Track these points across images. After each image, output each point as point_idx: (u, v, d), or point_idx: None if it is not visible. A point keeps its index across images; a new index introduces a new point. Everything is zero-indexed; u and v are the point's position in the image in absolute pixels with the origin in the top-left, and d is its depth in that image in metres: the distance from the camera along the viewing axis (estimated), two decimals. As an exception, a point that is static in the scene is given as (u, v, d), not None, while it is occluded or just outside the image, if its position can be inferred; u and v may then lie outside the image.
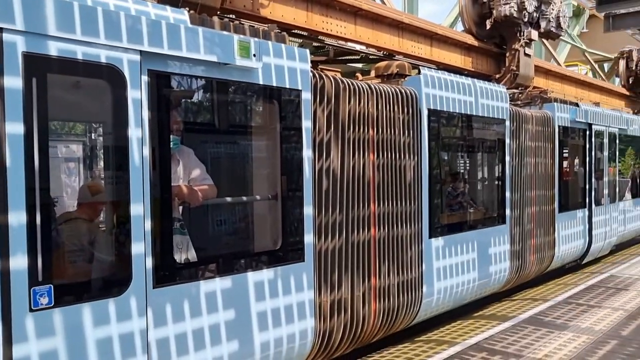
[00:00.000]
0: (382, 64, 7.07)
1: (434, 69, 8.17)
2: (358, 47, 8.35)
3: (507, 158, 8.22)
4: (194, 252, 4.15)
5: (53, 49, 3.25)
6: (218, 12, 6.30)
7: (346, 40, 7.79)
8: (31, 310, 3.12)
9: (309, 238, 4.96)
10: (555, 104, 9.76)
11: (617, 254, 12.74)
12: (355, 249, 5.63)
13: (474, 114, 7.47)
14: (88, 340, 3.39)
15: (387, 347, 6.24)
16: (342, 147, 5.43)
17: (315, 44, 8.76)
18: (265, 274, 4.55)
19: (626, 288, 8.71)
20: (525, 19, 10.57)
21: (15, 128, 3.09)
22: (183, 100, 4.40)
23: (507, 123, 8.15)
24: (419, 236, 6.52)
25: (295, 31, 7.32)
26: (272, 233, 4.79)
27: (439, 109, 6.77)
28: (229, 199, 4.71)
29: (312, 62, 6.94)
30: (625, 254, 12.61)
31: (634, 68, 17.64)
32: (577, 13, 20.71)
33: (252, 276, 4.43)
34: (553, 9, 11.22)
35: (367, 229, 5.77)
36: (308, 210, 4.93)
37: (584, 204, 10.81)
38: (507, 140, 8.19)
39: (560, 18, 11.54)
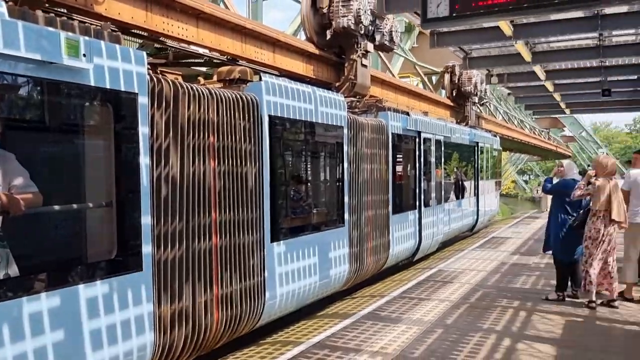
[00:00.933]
0: (224, 68, 7.02)
1: (277, 75, 8.32)
2: (201, 50, 8.22)
3: (346, 164, 8.62)
4: (15, 267, 3.77)
5: None
6: (46, 5, 5.82)
7: (188, 42, 7.63)
8: None
9: (147, 247, 4.77)
10: (388, 112, 10.49)
11: (444, 250, 14.01)
12: (197, 257, 5.53)
13: (314, 120, 7.74)
14: None
15: (233, 352, 6.22)
16: (182, 153, 5.31)
17: (156, 45, 8.45)
18: (99, 287, 4.27)
19: (451, 281, 9.60)
20: (362, 32, 11.15)
21: None
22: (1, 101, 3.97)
23: (345, 130, 8.55)
24: (261, 242, 6.60)
25: (135, 31, 7.01)
26: (107, 242, 4.52)
27: (279, 115, 6.88)
28: (57, 207, 4.35)
29: (152, 64, 6.70)
30: (451, 250, 13.91)
31: (456, 81, 19.60)
32: (409, 29, 22.43)
33: (83, 290, 4.14)
34: (386, 24, 11.97)
35: (209, 237, 5.70)
36: (146, 218, 4.74)
37: (414, 206, 11.77)
38: (345, 147, 8.61)
39: (393, 33, 12.38)
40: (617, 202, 7.45)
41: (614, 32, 11.03)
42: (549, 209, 8.83)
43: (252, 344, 6.66)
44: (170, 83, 5.24)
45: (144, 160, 4.73)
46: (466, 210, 16.32)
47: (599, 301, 7.66)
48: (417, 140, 11.94)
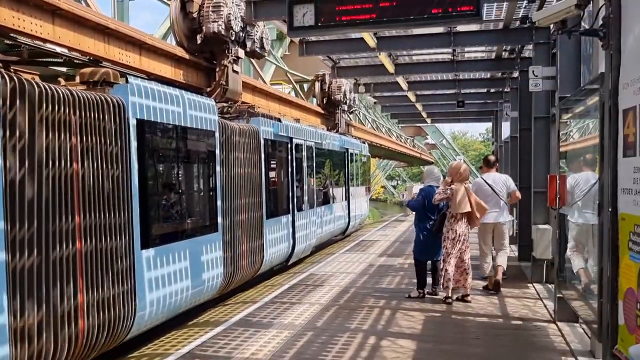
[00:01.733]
0: (87, 70, 6.67)
1: (145, 78, 8.05)
2: (58, 49, 7.68)
3: (218, 168, 8.56)
4: None
5: None
6: None
7: (44, 40, 7.10)
8: None
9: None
10: (260, 118, 10.69)
11: (316, 254, 14.34)
12: (58, 265, 5.21)
13: (185, 125, 7.68)
14: None
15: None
16: (40, 155, 5.02)
17: (7, 41, 7.77)
18: None
19: (322, 284, 9.84)
20: (233, 38, 11.16)
21: None
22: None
23: (217, 135, 8.52)
24: (130, 248, 6.34)
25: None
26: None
27: (146, 118, 6.72)
28: None
29: (4, 62, 6.17)
30: (322, 253, 14.26)
31: (326, 90, 20.20)
32: (281, 37, 22.70)
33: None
34: (257, 31, 12.04)
35: (72, 243, 5.38)
36: None
37: (287, 211, 11.96)
38: (217, 151, 8.56)
39: (264, 39, 12.47)
40: (476, 203, 8.16)
41: (466, 49, 12.05)
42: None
43: (118, 359, 6.35)
44: (26, 82, 4.96)
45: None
46: (338, 214, 16.91)
47: (455, 297, 8.28)
48: (289, 145, 12.28)
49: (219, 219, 8.60)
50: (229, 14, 10.74)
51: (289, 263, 12.46)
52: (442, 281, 8.32)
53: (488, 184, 8.86)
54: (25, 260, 4.85)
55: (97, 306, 5.79)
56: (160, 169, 7.48)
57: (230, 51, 11.31)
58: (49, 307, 5.12)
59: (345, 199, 17.96)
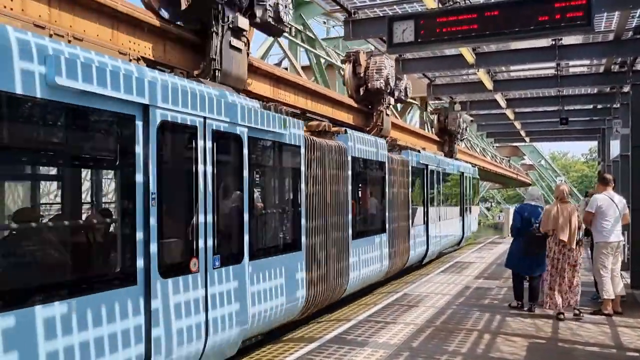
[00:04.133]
0: (313, 123, 9.68)
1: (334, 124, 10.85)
2: (167, 71, 8.12)
3: (388, 189, 12.15)
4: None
5: None
6: None
7: (155, 63, 7.52)
8: None
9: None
10: (409, 151, 14.06)
11: (410, 274, 14.07)
12: (330, 243, 9.27)
13: (373, 158, 11.26)
14: None
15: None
16: (318, 179, 8.81)
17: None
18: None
19: (417, 305, 9.61)
20: (388, 90, 14.12)
21: None
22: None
23: (386, 163, 11.97)
24: (347, 238, 10.00)
25: (99, 49, 6.88)
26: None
27: (356, 156, 10.38)
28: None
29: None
30: (416, 274, 13.96)
31: (444, 121, 21.66)
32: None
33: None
34: (402, 83, 15.23)
35: (325, 233, 9.12)
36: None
37: (424, 222, 15.30)
38: (386, 176, 11.99)
39: (408, 89, 15.59)
40: (565, 223, 8.22)
41: (571, 62, 11.49)
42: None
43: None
44: (311, 139, 8.51)
45: (303, 184, 8.14)
46: (457, 227, 20.36)
47: (568, 314, 8.32)
48: (424, 171, 15.29)
49: (387, 225, 12.05)
50: (388, 73, 13.71)
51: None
52: (546, 298, 8.51)
53: (614, 202, 8.64)
54: (314, 240, 8.49)
55: (342, 271, 9.70)
56: (360, 187, 11.12)
57: (385, 100, 14.52)
58: (325, 267, 8.92)
59: (461, 215, 20.81)
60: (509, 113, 16.96)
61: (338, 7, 8.71)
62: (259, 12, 8.44)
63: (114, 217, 5.44)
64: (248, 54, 8.43)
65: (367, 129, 14.02)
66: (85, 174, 5.75)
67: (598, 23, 8.78)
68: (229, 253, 6.43)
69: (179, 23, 7.66)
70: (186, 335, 5.58)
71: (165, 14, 7.50)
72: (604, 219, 8.51)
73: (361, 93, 13.95)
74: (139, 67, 5.28)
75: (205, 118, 5.89)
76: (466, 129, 23.17)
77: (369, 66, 13.64)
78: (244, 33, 8.14)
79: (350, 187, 9.89)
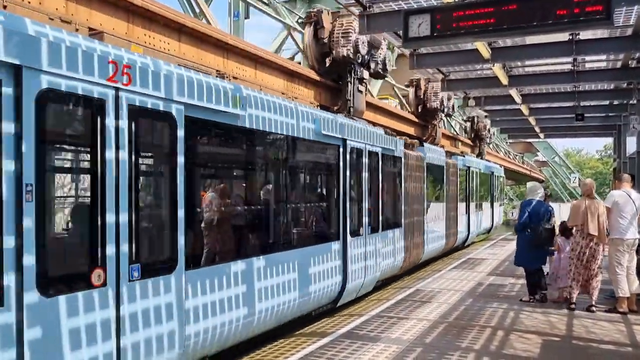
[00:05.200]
0: (409, 140, 13.58)
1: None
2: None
3: (446, 185, 16.42)
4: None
5: None
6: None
7: (171, 56, 7.56)
8: None
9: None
10: (457, 156, 18.20)
11: (422, 270, 14.03)
12: (415, 224, 13.31)
13: (437, 164, 15.41)
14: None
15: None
16: (410, 182, 12.86)
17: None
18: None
19: (429, 300, 9.57)
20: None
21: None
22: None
23: (445, 167, 16.11)
24: (423, 223, 14.11)
25: (115, 43, 6.92)
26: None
27: (430, 162, 14.52)
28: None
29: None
30: (428, 270, 13.92)
31: (475, 127, 23.70)
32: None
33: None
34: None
35: (419, 216, 13.74)
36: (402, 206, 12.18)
37: (466, 212, 19.30)
38: (444, 176, 16.22)
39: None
40: (593, 218, 8.41)
41: (587, 58, 11.34)
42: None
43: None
44: (406, 152, 12.34)
45: (402, 184, 12.10)
46: (488, 218, 23.82)
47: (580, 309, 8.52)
48: (467, 172, 19.17)
49: (444, 213, 16.44)
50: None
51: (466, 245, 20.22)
52: (566, 286, 9.03)
53: (631, 198, 8.59)
54: (407, 221, 12.43)
55: (421, 243, 13.71)
56: (430, 184, 14.90)
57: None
58: (413, 240, 12.83)
59: (491, 207, 24.46)
60: (524, 109, 16.81)
61: (353, 1, 8.67)
62: (373, 65, 12.40)
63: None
64: (365, 95, 12.86)
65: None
66: None
67: (617, 18, 8.65)
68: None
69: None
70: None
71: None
72: (621, 216, 8.44)
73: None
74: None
75: (345, 140, 8.79)
76: (494, 134, 25.56)
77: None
78: (365, 81, 12.38)
79: (425, 184, 13.92)
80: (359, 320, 8.14)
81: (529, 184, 9.77)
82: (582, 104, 16.13)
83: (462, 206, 18.19)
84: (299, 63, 14.19)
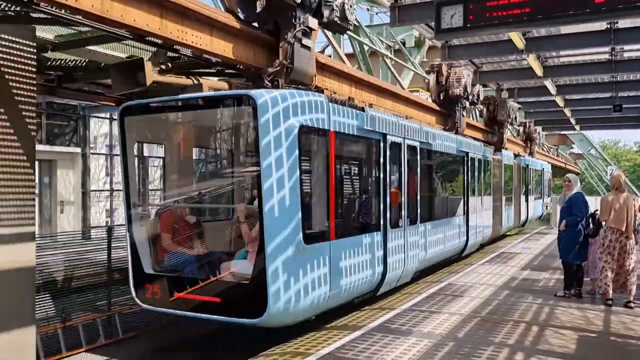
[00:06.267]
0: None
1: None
2: (214, 59, 8.21)
3: (516, 181, 21.74)
4: None
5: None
6: (65, 12, 5.86)
7: (202, 51, 7.62)
8: None
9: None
10: (521, 157, 22.79)
11: (454, 264, 13.90)
12: (494, 208, 17.73)
13: (509, 163, 19.69)
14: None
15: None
16: (494, 177, 17.24)
17: (170, 53, 8.48)
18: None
19: (461, 295, 9.49)
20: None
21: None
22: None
23: (514, 167, 21.24)
24: (501, 207, 18.86)
25: (149, 38, 7.03)
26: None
27: (524, 164, 22.41)
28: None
29: (164, 70, 6.67)
30: (460, 264, 13.78)
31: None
32: (419, 44, 22.47)
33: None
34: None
35: (498, 202, 18.30)
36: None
37: (519, 201, 22.68)
38: (514, 173, 21.23)
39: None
40: (622, 211, 8.31)
41: (626, 47, 11.02)
42: (557, 224, 9.72)
43: (259, 354, 6.60)
44: (493, 157, 17.01)
45: (493, 180, 17.22)
46: (538, 206, 27.83)
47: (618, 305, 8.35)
48: (527, 169, 23.73)
49: (512, 200, 21.21)
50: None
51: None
52: (600, 284, 8.68)
53: None
54: (496, 204, 17.72)
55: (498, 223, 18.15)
56: (505, 180, 19.07)
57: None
58: (499, 217, 18.20)
59: (542, 199, 28.83)
60: (559, 100, 16.47)
61: (384, -7, 8.53)
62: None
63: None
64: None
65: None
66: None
67: (658, 5, 8.37)
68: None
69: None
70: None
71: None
72: None
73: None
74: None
75: (467, 154, 14.25)
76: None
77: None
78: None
79: (502, 179, 18.60)
80: (391, 314, 8.12)
81: (571, 176, 9.30)
82: (620, 94, 15.69)
83: (521, 196, 22.99)
84: (330, 56, 14.12)
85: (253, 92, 6.79)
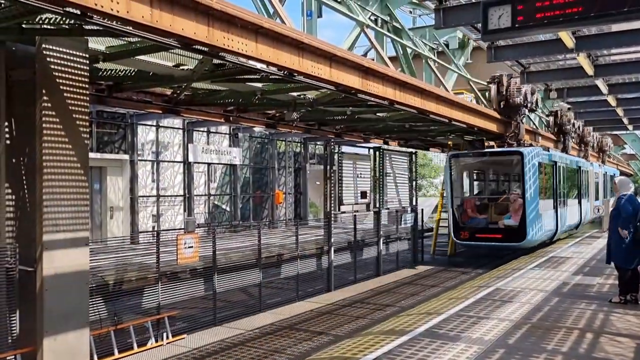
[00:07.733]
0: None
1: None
2: (259, 65, 8.32)
3: (599, 185, 29.53)
4: None
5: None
6: (115, 23, 6.03)
7: (248, 57, 7.73)
8: None
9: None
10: (596, 164, 29.29)
11: (501, 267, 13.60)
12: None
13: (596, 171, 28.30)
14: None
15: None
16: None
17: (215, 60, 8.64)
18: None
19: (510, 300, 9.28)
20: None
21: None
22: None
23: (600, 174, 29.90)
24: (580, 202, 24.35)
25: (197, 47, 7.17)
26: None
27: (594, 171, 27.78)
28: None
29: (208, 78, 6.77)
30: (507, 268, 13.48)
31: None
32: (463, 45, 22.16)
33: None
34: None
35: (582, 198, 24.91)
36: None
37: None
38: (599, 180, 29.39)
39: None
40: None
41: (683, 43, 10.56)
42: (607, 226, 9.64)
43: (306, 358, 6.62)
44: (600, 169, 29.65)
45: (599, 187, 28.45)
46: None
47: None
48: (605, 175, 30.19)
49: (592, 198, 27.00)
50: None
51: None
52: None
53: None
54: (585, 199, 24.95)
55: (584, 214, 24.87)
56: (593, 183, 27.24)
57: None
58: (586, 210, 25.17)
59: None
60: (611, 99, 15.90)
61: (428, -5, 8.51)
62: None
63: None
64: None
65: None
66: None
67: None
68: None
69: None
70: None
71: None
72: None
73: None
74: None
75: (606, 172, 31.22)
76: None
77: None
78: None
79: (593, 184, 25.50)
80: (438, 319, 8.01)
81: (618, 179, 9.07)
82: (676, 92, 15.05)
83: (595, 197, 27.40)
84: (372, 59, 14.12)
85: (521, 149, 17.21)
